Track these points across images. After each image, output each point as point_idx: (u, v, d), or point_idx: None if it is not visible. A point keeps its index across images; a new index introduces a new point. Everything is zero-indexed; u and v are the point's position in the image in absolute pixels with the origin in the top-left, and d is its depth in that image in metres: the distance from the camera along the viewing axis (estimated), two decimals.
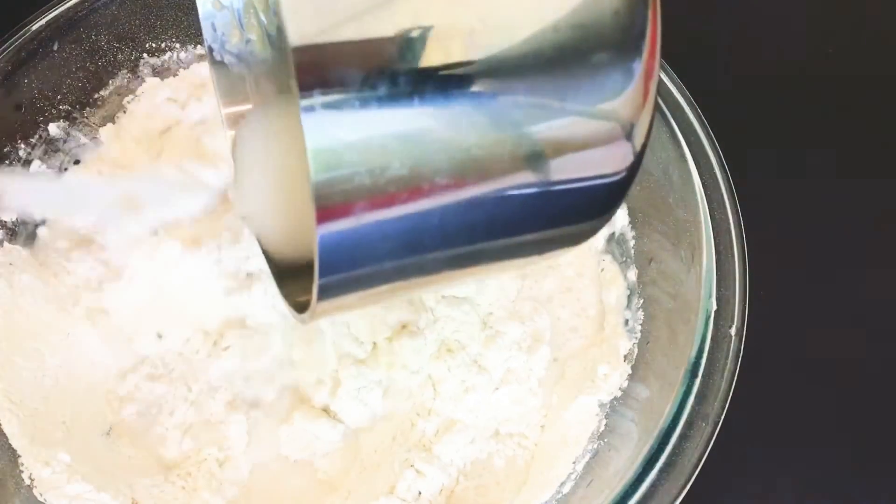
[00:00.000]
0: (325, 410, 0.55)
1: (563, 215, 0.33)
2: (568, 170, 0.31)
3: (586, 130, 0.30)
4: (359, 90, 0.26)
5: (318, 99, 0.25)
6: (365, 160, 0.26)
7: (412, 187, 0.27)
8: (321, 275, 0.28)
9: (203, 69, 0.65)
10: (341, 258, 0.28)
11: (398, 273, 0.31)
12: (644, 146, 0.33)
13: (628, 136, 0.32)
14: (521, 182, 0.30)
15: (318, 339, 0.55)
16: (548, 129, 0.29)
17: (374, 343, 0.56)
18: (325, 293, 0.30)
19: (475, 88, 0.27)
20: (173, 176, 0.55)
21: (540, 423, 0.55)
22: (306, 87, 0.25)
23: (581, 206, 0.33)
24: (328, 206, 0.26)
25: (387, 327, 0.55)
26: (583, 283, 0.59)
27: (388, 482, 0.52)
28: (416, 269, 0.31)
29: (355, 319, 0.55)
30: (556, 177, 0.30)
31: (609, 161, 0.32)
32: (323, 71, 0.25)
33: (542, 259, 0.35)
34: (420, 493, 0.52)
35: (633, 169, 0.33)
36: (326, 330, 0.54)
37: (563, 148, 0.30)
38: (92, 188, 0.55)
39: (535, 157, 0.30)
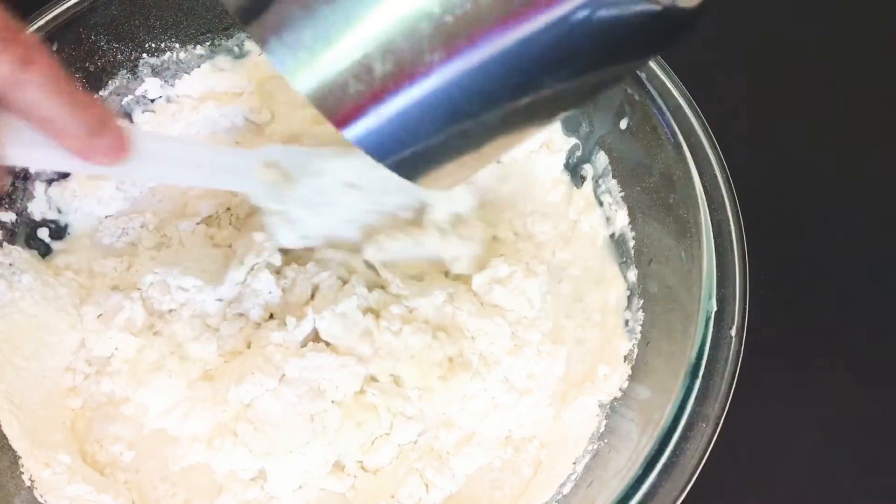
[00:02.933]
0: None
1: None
2: None
3: None
4: None
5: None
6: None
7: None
8: (382, 159, 0.33)
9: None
10: (390, 144, 0.32)
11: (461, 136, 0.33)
12: None
13: None
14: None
15: (371, 415, 0.54)
16: None
17: (425, 387, 0.55)
18: (402, 168, 0.34)
19: None
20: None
21: (549, 426, 0.55)
22: None
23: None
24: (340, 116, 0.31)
25: (436, 367, 0.55)
26: (587, 285, 0.60)
27: (390, 488, 0.52)
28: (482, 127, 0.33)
29: (405, 368, 0.54)
30: None
31: None
32: None
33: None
34: (420, 499, 0.52)
35: None
36: (380, 404, 0.54)
37: None
38: (236, 155, 0.54)
39: None
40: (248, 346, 0.56)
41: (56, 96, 0.38)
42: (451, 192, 0.55)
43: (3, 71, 0.36)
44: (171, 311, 0.57)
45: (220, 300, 0.57)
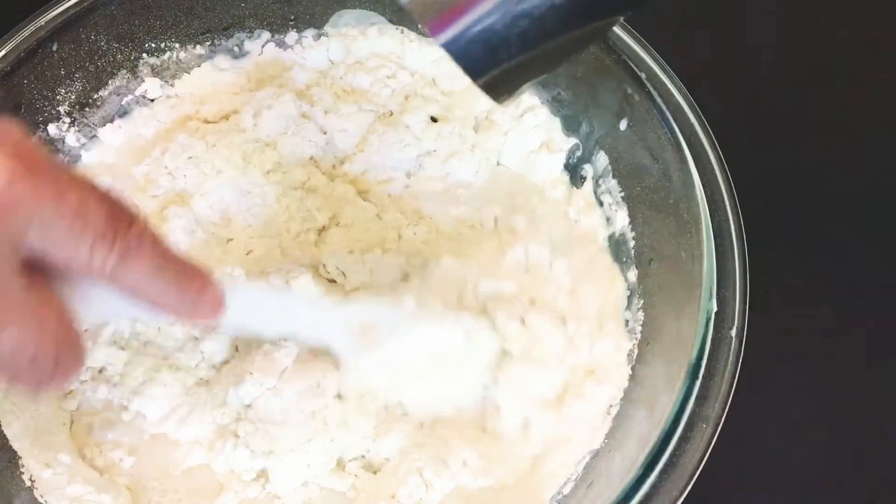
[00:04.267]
0: None
1: None
2: None
3: None
4: None
5: None
6: None
7: None
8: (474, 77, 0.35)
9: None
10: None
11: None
12: None
13: None
14: None
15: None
16: None
17: None
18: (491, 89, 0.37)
19: None
20: (413, 306, 0.52)
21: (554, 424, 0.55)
22: None
23: None
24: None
25: None
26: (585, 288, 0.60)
27: (390, 488, 0.52)
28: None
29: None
30: None
31: None
32: None
33: None
34: (420, 499, 0.52)
35: None
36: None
37: None
38: (328, 308, 0.52)
39: None
40: (237, 349, 0.56)
41: (158, 280, 0.37)
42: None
43: (104, 265, 0.35)
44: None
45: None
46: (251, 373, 0.53)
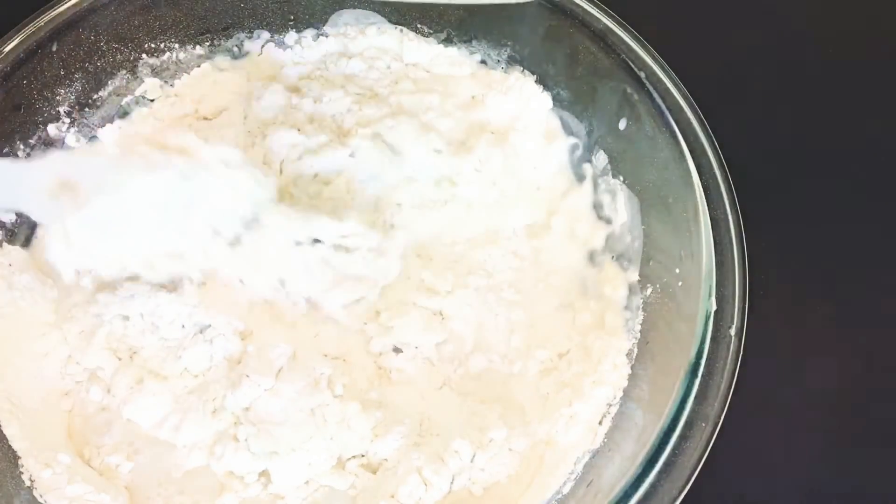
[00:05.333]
0: None
1: None
2: None
3: None
4: None
5: None
6: None
7: None
8: None
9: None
10: None
11: None
12: None
13: None
14: None
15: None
16: None
17: None
18: None
19: None
20: (119, 152, 0.48)
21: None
22: None
23: None
24: None
25: None
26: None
27: (390, 487, 0.52)
28: None
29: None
30: None
31: None
32: None
33: None
34: (420, 498, 0.52)
35: None
36: None
37: None
38: (22, 172, 0.47)
39: None
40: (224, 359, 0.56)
41: None
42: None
43: None
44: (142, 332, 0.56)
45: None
46: (248, 375, 0.53)
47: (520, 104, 0.64)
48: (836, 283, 0.63)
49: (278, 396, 0.53)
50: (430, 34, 0.65)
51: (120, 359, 0.56)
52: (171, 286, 0.56)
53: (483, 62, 0.66)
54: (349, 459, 0.54)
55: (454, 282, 0.59)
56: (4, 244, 0.58)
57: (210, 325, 0.56)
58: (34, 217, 0.48)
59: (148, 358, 0.55)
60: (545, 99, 0.64)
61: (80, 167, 0.46)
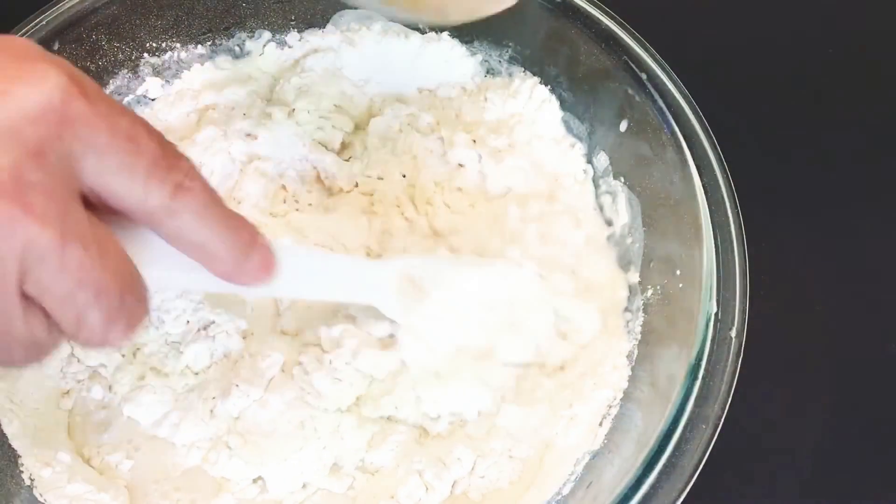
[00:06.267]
0: None
1: None
2: None
3: None
4: None
5: None
6: None
7: None
8: None
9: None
10: None
11: None
12: None
13: None
14: None
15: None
16: None
17: None
18: None
19: None
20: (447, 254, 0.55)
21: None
22: None
23: None
24: None
25: None
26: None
27: (389, 489, 0.52)
28: None
29: None
30: None
31: None
32: None
33: None
34: (420, 499, 0.52)
35: None
36: None
37: None
38: (370, 267, 0.53)
39: None
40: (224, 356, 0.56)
41: (209, 222, 0.35)
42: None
43: (158, 199, 0.33)
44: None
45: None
46: (237, 385, 0.53)
47: (529, 109, 0.64)
48: (836, 284, 0.63)
49: (267, 408, 0.53)
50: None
51: (123, 355, 0.56)
52: None
53: (485, 61, 0.66)
54: (345, 466, 0.53)
55: None
56: None
57: (213, 322, 0.56)
58: (383, 310, 0.51)
59: (150, 354, 0.55)
60: (554, 103, 0.64)
61: (421, 267, 0.52)
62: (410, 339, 0.52)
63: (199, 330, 0.56)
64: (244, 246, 0.37)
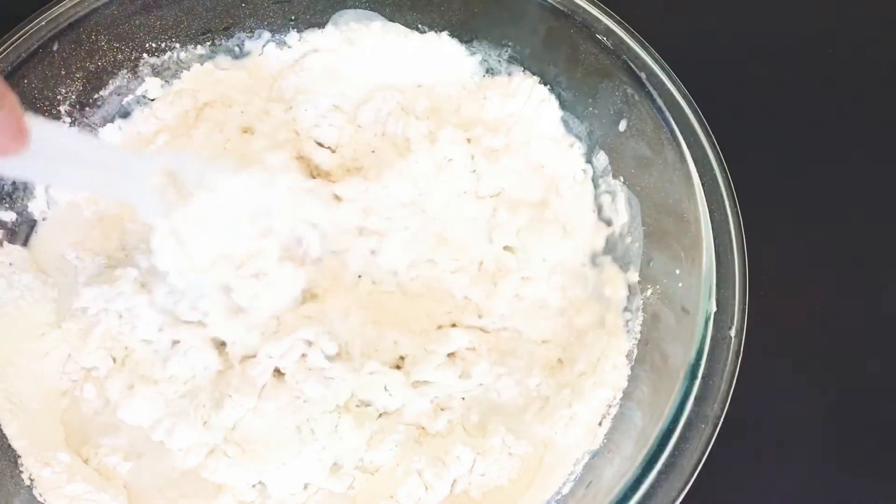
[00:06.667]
0: None
1: None
2: None
3: None
4: None
5: None
6: None
7: None
8: None
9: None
10: None
11: None
12: None
13: None
14: None
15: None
16: None
17: None
18: None
19: None
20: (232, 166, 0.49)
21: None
22: None
23: None
24: None
25: None
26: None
27: (389, 488, 0.52)
28: None
29: None
30: None
31: None
32: None
33: None
34: (420, 499, 0.52)
35: None
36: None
37: None
38: (131, 159, 0.48)
39: None
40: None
41: None
42: None
43: None
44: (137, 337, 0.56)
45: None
46: (229, 395, 0.53)
47: (529, 108, 0.64)
48: (836, 283, 0.63)
49: (262, 416, 0.52)
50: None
51: (115, 359, 0.56)
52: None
53: (485, 61, 0.66)
54: (344, 466, 0.54)
55: None
56: (5, 243, 0.58)
57: (178, 340, 0.55)
58: (140, 209, 0.48)
59: (139, 361, 0.55)
60: (553, 103, 0.64)
61: (183, 164, 0.48)
62: (168, 244, 0.48)
63: (173, 345, 0.56)
64: None
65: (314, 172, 0.62)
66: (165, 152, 0.50)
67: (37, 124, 0.37)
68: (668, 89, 0.56)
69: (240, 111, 0.64)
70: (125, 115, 0.65)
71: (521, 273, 0.59)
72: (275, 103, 0.64)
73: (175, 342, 0.55)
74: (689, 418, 0.45)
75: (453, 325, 0.57)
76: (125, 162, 0.47)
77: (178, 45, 0.65)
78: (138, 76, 0.65)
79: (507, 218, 0.60)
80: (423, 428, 0.54)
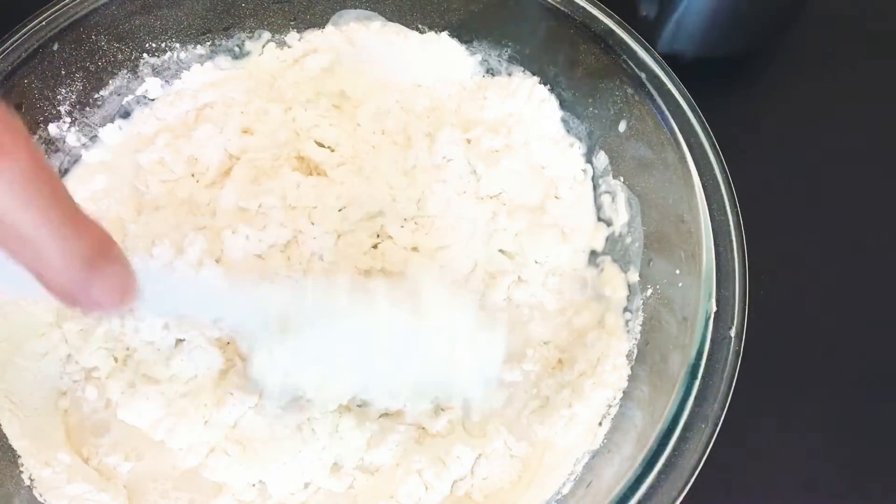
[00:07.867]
0: None
1: None
2: None
3: None
4: None
5: None
6: None
7: None
8: None
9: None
10: None
11: None
12: None
13: None
14: None
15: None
16: None
17: None
18: None
19: None
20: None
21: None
22: None
23: None
24: None
25: None
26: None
27: (389, 488, 0.52)
28: None
29: None
30: None
31: None
32: None
33: None
34: (420, 499, 0.52)
35: None
36: None
37: None
38: (243, 297, 0.46)
39: None
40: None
41: (34, 200, 0.26)
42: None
43: None
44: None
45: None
46: (231, 393, 0.53)
47: (529, 108, 0.64)
48: (836, 284, 0.63)
49: (263, 414, 0.52)
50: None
51: (116, 359, 0.56)
52: None
53: (484, 61, 0.66)
54: (345, 466, 0.53)
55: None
56: None
57: (184, 339, 0.55)
58: (240, 339, 0.49)
59: (141, 361, 0.55)
60: (553, 103, 0.64)
61: (295, 302, 0.46)
62: (269, 377, 0.47)
63: (176, 344, 0.56)
64: (89, 256, 0.28)
65: (314, 172, 0.62)
66: (278, 289, 0.47)
67: (145, 273, 0.35)
68: (668, 89, 0.56)
69: (240, 111, 0.64)
70: (125, 115, 0.65)
71: (516, 275, 0.59)
72: (275, 103, 0.64)
73: (179, 341, 0.55)
74: (689, 418, 0.45)
75: None
76: (244, 307, 0.46)
77: (178, 45, 0.65)
78: (138, 76, 0.65)
79: (506, 222, 0.60)
80: (424, 428, 0.54)
